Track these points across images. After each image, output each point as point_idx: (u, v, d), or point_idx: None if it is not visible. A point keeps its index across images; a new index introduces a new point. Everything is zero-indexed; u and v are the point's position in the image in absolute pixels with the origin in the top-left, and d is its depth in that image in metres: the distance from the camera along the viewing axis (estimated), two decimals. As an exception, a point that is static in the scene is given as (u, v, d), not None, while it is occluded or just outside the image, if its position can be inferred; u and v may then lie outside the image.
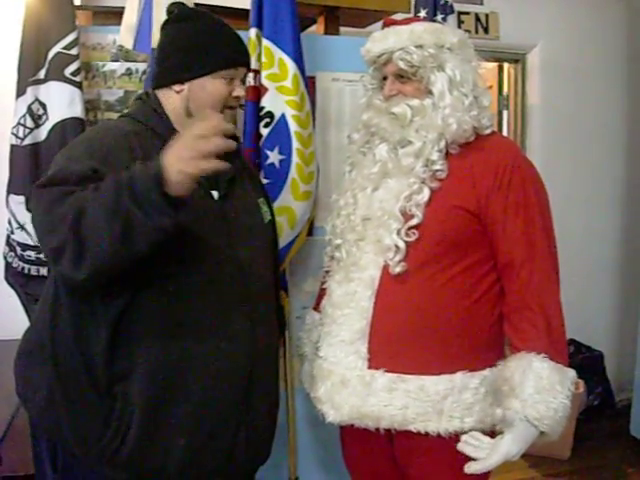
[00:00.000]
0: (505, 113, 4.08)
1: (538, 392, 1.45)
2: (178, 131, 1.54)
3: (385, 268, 1.57)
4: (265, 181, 1.99)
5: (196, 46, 1.56)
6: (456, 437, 1.53)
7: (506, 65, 4.07)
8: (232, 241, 1.53)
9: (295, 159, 2.05)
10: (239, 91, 1.57)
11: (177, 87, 1.56)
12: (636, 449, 3.47)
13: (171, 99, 1.57)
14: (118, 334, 1.40)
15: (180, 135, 1.23)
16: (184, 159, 1.19)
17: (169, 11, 1.62)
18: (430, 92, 1.61)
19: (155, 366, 1.41)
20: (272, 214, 1.78)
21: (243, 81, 1.60)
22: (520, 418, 1.44)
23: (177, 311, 1.43)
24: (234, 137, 1.72)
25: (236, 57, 1.57)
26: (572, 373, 1.50)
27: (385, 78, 1.68)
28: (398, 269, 1.54)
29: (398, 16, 1.90)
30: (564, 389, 1.47)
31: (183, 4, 1.63)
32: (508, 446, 1.44)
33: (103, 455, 1.40)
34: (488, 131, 1.64)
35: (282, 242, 2.00)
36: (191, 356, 1.43)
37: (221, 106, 1.55)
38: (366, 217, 1.63)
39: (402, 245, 1.54)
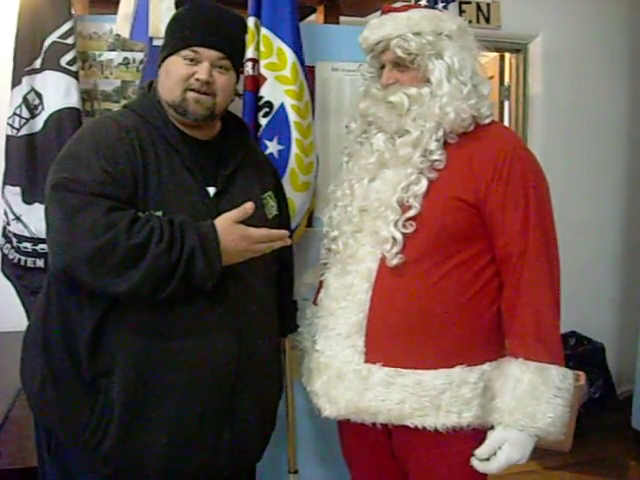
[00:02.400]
0: (506, 103, 4.07)
1: (518, 399, 1.44)
2: (171, 122, 1.55)
3: (382, 260, 1.55)
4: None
5: (170, 29, 1.56)
6: (454, 432, 1.53)
7: (507, 55, 4.05)
8: None
9: (294, 149, 2.03)
10: (201, 73, 1.49)
11: (159, 71, 1.57)
12: (637, 442, 3.48)
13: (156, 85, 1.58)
14: (102, 330, 1.42)
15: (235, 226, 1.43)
16: (239, 252, 1.44)
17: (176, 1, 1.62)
18: (428, 80, 1.59)
19: (136, 363, 1.42)
20: (280, 209, 1.76)
21: (221, 66, 1.53)
22: (504, 427, 1.45)
23: (161, 309, 1.42)
24: (241, 124, 1.73)
25: (195, 38, 1.50)
26: (557, 370, 1.47)
27: (383, 66, 1.66)
28: (395, 261, 1.52)
29: (400, 5, 1.88)
30: (550, 389, 1.45)
31: None
32: (506, 455, 1.44)
33: (86, 446, 1.43)
34: (488, 120, 1.62)
35: (282, 233, 1.98)
36: (173, 354, 1.44)
37: (181, 87, 1.50)
38: (363, 208, 1.61)
39: (399, 237, 1.52)
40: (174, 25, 1.56)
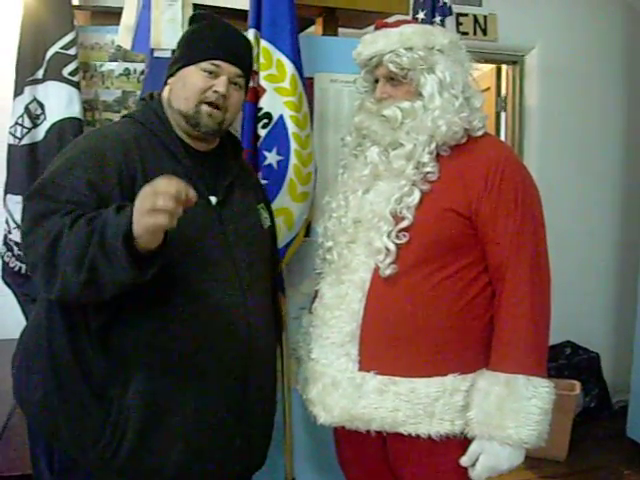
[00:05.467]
0: (503, 115, 4.09)
1: (485, 411, 1.50)
2: (176, 133, 1.55)
3: (376, 270, 1.57)
4: (263, 182, 1.98)
5: (186, 41, 1.58)
6: (447, 439, 1.55)
7: (504, 67, 4.08)
8: (229, 246, 1.52)
9: (293, 160, 2.05)
10: (219, 86, 1.50)
11: (169, 81, 1.58)
12: (632, 451, 3.47)
13: (164, 94, 1.59)
14: (112, 341, 1.41)
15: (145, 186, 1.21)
16: (141, 212, 1.18)
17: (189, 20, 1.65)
18: (421, 94, 1.61)
19: (153, 372, 1.41)
20: (272, 220, 1.77)
21: (235, 82, 1.55)
22: (478, 438, 1.51)
23: (170, 314, 1.42)
24: (234, 139, 1.73)
25: (218, 51, 1.52)
26: (525, 380, 1.50)
27: (377, 81, 1.69)
28: (388, 271, 1.54)
29: (396, 18, 1.90)
30: (517, 399, 1.49)
31: (200, 12, 1.65)
32: (481, 464, 1.52)
33: (100, 459, 1.41)
34: (480, 132, 1.64)
35: (280, 243, 2.00)
36: (189, 363, 1.43)
37: (197, 99, 1.50)
38: (357, 219, 1.63)
39: (392, 247, 1.54)
40: (192, 37, 1.57)
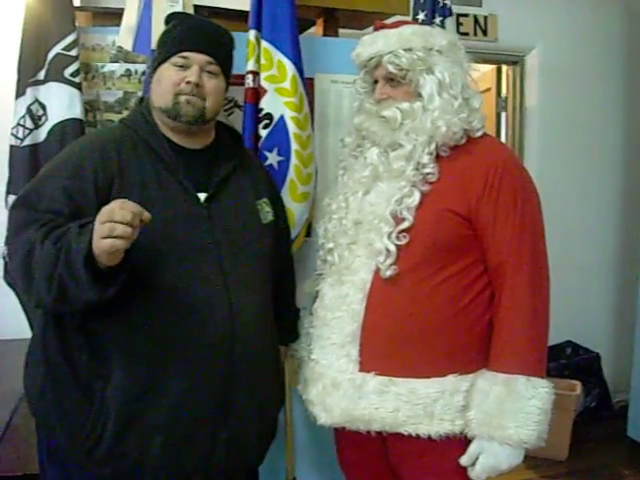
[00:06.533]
0: (503, 115, 4.08)
1: (484, 412, 1.50)
2: (162, 133, 1.59)
3: (377, 271, 1.58)
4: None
5: (160, 41, 1.62)
6: (447, 439, 1.55)
7: (504, 67, 4.07)
8: (216, 243, 1.54)
9: (294, 160, 2.05)
10: (191, 76, 1.53)
11: (152, 82, 1.62)
12: (633, 451, 3.47)
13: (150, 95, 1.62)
14: (93, 336, 1.46)
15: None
16: (98, 237, 1.23)
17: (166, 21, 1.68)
18: (420, 95, 1.62)
19: (131, 367, 1.45)
20: (279, 215, 1.78)
21: (209, 70, 1.57)
22: (477, 438, 1.52)
23: (154, 314, 1.46)
24: (234, 132, 1.75)
25: (185, 43, 1.56)
26: (524, 380, 1.51)
27: (376, 82, 1.69)
28: (389, 272, 1.55)
29: (396, 19, 1.91)
30: (517, 400, 1.50)
31: (173, 12, 1.70)
32: (481, 464, 1.52)
33: (84, 449, 1.45)
34: (479, 133, 1.64)
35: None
36: (168, 359, 1.46)
37: (172, 92, 1.54)
38: (357, 221, 1.63)
39: (393, 248, 1.55)
40: (164, 37, 1.61)
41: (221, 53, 1.62)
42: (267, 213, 1.71)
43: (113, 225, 1.21)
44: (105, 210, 1.24)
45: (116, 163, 1.50)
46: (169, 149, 1.56)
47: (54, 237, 1.34)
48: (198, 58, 1.56)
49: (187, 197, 1.53)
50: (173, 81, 1.54)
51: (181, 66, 1.55)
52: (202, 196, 1.56)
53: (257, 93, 2.04)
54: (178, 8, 2.01)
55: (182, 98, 1.54)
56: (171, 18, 1.66)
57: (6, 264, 2.15)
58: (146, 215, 1.26)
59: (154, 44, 2.02)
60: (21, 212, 1.45)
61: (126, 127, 1.60)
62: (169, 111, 1.55)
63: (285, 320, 1.85)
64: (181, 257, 1.49)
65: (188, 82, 1.54)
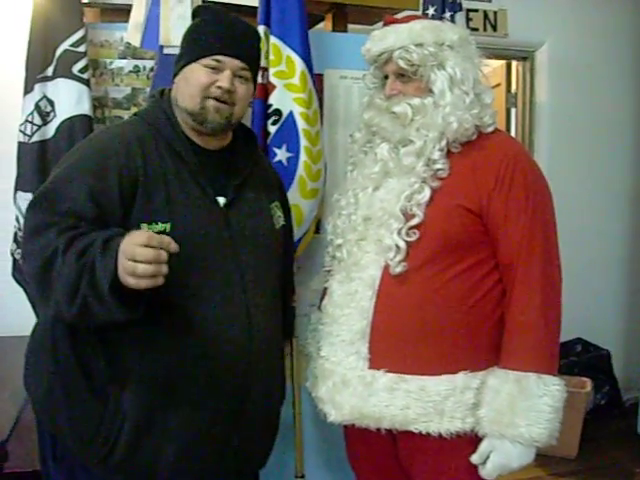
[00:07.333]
0: (513, 111, 4.08)
1: (495, 409, 1.50)
2: (183, 131, 1.54)
3: (386, 268, 1.57)
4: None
5: (188, 38, 1.56)
6: (458, 437, 1.54)
7: (514, 63, 4.07)
8: (235, 249, 1.51)
9: (303, 157, 2.05)
10: (223, 82, 1.48)
11: (176, 79, 1.57)
12: (643, 448, 3.47)
13: (172, 93, 1.58)
14: (111, 339, 1.41)
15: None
16: (122, 271, 1.18)
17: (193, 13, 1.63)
18: (431, 91, 1.60)
19: (148, 373, 1.42)
20: (288, 219, 1.77)
21: (241, 75, 1.52)
22: (488, 436, 1.51)
23: (171, 318, 1.42)
24: (248, 132, 1.72)
25: (219, 46, 1.49)
26: (536, 378, 1.50)
27: (386, 77, 1.68)
28: (399, 269, 1.54)
29: (406, 14, 1.89)
30: (528, 397, 1.49)
31: (202, 5, 1.63)
32: (492, 462, 1.51)
33: (96, 456, 1.42)
34: (491, 129, 1.63)
35: (290, 240, 2.00)
36: (184, 364, 1.43)
37: (201, 95, 1.49)
38: (367, 217, 1.62)
39: (403, 245, 1.54)
40: (194, 34, 1.55)
41: (253, 57, 1.58)
42: (279, 218, 1.70)
43: (135, 265, 1.15)
44: (130, 243, 1.18)
45: (140, 162, 1.44)
46: (190, 150, 1.52)
47: (77, 250, 1.27)
48: (232, 63, 1.50)
49: (207, 200, 1.50)
50: (203, 83, 1.49)
51: (213, 68, 1.49)
52: (221, 200, 1.53)
53: (266, 89, 2.04)
54: (186, 4, 2.00)
55: (210, 103, 1.49)
56: (199, 12, 1.60)
57: (15, 261, 2.16)
58: (174, 246, 1.20)
59: (162, 40, 2.03)
60: (38, 214, 1.36)
61: (145, 123, 1.54)
62: (195, 114, 1.50)
63: (285, 320, 1.82)
64: (201, 265, 1.46)
65: (219, 87, 1.49)
